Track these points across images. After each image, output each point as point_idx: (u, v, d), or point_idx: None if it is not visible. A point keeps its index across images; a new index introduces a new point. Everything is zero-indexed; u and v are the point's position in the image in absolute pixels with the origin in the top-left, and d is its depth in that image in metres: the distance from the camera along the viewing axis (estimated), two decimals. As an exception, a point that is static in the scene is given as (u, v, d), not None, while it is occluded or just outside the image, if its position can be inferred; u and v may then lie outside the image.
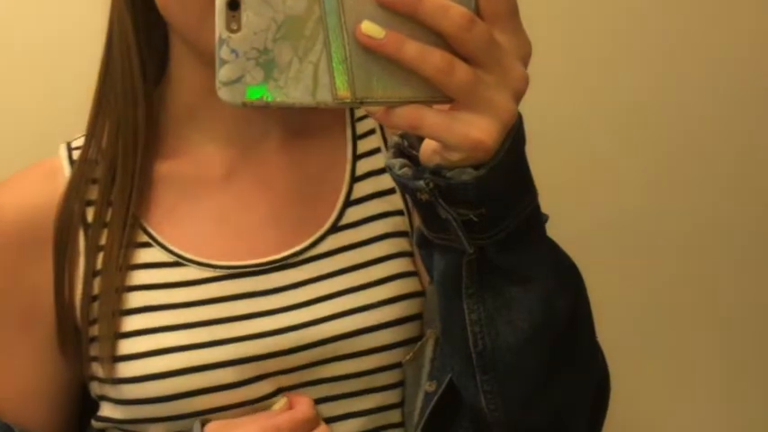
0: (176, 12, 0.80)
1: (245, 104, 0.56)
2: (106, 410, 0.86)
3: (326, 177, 0.90)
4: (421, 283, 0.88)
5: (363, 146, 0.92)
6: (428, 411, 0.81)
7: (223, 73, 0.56)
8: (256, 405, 0.83)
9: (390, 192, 0.90)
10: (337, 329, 0.84)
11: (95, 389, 0.87)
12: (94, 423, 0.88)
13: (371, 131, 0.92)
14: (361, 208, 0.89)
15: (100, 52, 0.89)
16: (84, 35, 0.97)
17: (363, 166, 0.91)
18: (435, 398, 0.80)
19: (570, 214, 1.37)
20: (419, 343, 0.85)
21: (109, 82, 0.87)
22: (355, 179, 0.90)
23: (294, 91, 0.56)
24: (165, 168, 0.89)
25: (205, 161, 0.89)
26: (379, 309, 0.85)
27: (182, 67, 0.88)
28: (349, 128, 0.92)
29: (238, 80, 0.56)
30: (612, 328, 1.35)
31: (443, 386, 0.80)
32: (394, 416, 0.87)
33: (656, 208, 1.43)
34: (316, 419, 0.83)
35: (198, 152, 0.89)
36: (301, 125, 0.91)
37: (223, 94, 0.56)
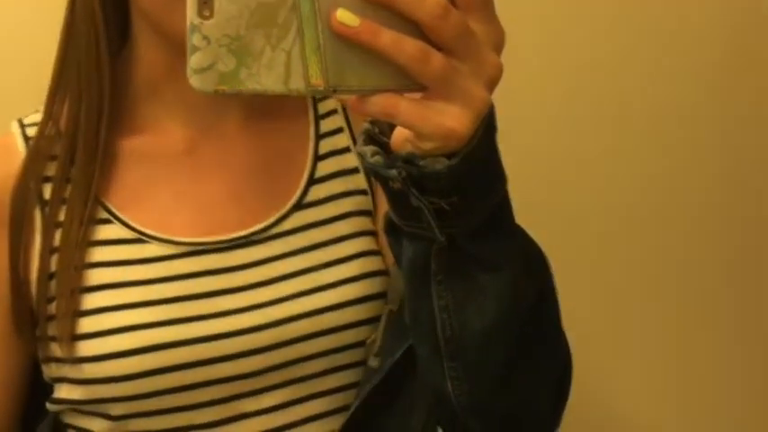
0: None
1: (216, 92, 0.55)
2: (63, 392, 0.85)
3: (289, 156, 0.89)
4: (384, 262, 0.88)
5: (326, 125, 0.91)
6: (369, 388, 0.81)
7: (194, 60, 0.54)
8: (220, 386, 0.82)
9: (354, 171, 0.89)
10: (301, 307, 0.83)
11: (52, 371, 0.86)
12: (50, 406, 0.87)
13: (333, 111, 0.92)
14: (325, 186, 0.88)
15: (50, 30, 0.87)
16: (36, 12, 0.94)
17: (326, 145, 0.90)
18: (379, 377, 0.81)
19: (549, 203, 1.39)
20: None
21: (71, 54, 0.85)
22: (318, 158, 0.90)
23: (266, 79, 0.55)
24: (126, 144, 0.87)
25: (167, 138, 0.88)
26: (342, 287, 0.85)
27: (143, 42, 0.86)
28: (311, 107, 0.92)
29: (210, 67, 0.54)
30: (591, 318, 1.39)
31: (387, 367, 0.80)
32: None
33: (638, 196, 1.45)
34: None
35: (159, 128, 0.88)
36: (264, 104, 0.90)
37: (194, 81, 0.55)
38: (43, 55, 0.88)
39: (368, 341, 0.85)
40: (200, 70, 0.54)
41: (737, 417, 1.51)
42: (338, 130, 0.91)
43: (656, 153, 1.43)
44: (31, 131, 0.87)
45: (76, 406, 0.84)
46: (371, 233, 0.88)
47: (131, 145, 0.87)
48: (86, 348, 0.81)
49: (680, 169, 1.44)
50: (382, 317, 0.85)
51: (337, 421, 0.86)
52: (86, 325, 0.81)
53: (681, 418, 1.51)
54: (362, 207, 0.89)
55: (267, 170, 0.88)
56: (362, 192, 0.89)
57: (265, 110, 0.90)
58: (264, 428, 0.84)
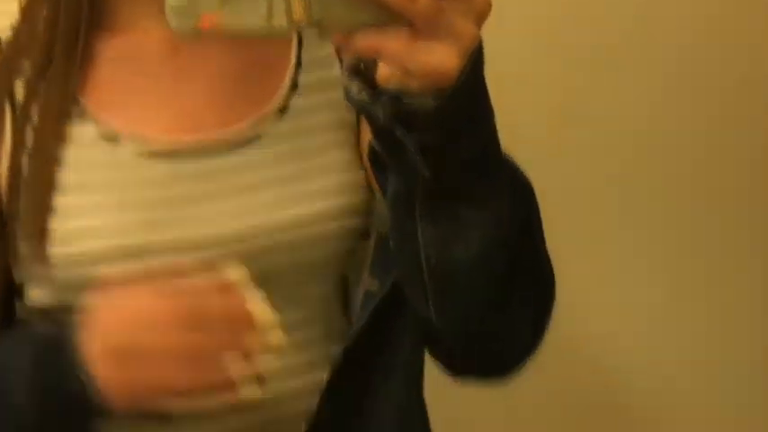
0: None
1: (195, 30, 0.53)
2: (33, 295, 0.83)
3: (270, 63, 0.87)
4: (366, 176, 0.87)
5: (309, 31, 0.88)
6: (369, 313, 0.81)
7: None
8: None
9: (336, 82, 0.87)
10: (281, 216, 0.82)
11: (23, 272, 0.83)
12: (19, 311, 0.85)
13: None
14: (306, 96, 0.86)
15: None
16: None
17: (308, 54, 0.88)
18: (377, 299, 0.81)
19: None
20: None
21: None
22: (300, 66, 0.87)
23: (249, 17, 0.53)
24: (105, 45, 0.85)
25: (146, 40, 0.85)
26: (323, 197, 0.83)
27: None
28: None
29: (190, 6, 0.52)
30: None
31: (387, 288, 0.80)
32: (338, 306, 0.88)
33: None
34: (232, 288, 0.76)
35: (139, 30, 0.85)
36: None
37: (173, 20, 0.53)
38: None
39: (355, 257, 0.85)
40: (179, 10, 0.52)
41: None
42: None
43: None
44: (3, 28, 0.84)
45: (46, 311, 0.83)
46: (353, 145, 0.87)
47: (110, 46, 0.84)
48: (57, 249, 0.80)
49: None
50: (372, 236, 0.84)
51: (317, 328, 0.86)
52: (57, 225, 0.80)
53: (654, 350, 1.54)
54: (344, 119, 0.87)
55: (248, 76, 0.86)
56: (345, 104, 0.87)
57: None
58: None
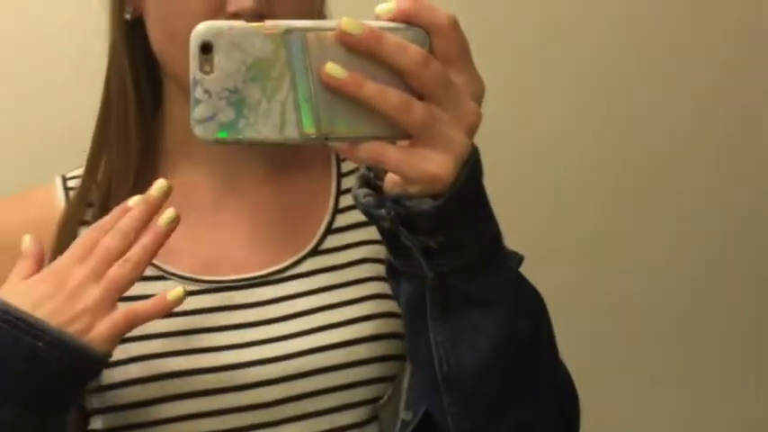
0: (172, 62, 0.88)
1: (217, 141, 0.61)
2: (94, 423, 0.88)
3: (309, 209, 0.95)
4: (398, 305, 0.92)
5: (347, 183, 0.97)
6: None
7: (197, 111, 0.60)
8: (236, 415, 0.86)
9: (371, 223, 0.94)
10: (313, 342, 0.88)
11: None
12: None
13: (357, 169, 0.96)
14: (342, 236, 0.94)
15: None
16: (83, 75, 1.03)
17: (346, 200, 0.96)
18: (411, 427, 0.83)
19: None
20: (395, 382, 0.88)
21: (107, 120, 0.94)
22: (338, 211, 0.95)
23: (263, 128, 0.61)
24: None
25: (194, 189, 0.94)
26: (354, 325, 0.89)
27: (173, 104, 0.93)
28: (334, 166, 0.98)
29: (211, 118, 0.60)
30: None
31: (419, 416, 0.83)
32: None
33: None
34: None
35: (188, 181, 0.94)
36: (286, 159, 0.96)
37: (198, 131, 0.61)
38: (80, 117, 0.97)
39: (380, 402, 0.88)
40: (203, 121, 0.60)
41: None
42: None
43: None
44: (71, 183, 0.95)
45: None
46: (386, 279, 0.92)
47: None
48: (108, 376, 0.85)
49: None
50: (404, 375, 0.87)
51: None
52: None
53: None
54: (378, 255, 0.93)
55: (286, 221, 0.94)
56: (378, 241, 0.93)
57: (287, 165, 0.96)
58: None
